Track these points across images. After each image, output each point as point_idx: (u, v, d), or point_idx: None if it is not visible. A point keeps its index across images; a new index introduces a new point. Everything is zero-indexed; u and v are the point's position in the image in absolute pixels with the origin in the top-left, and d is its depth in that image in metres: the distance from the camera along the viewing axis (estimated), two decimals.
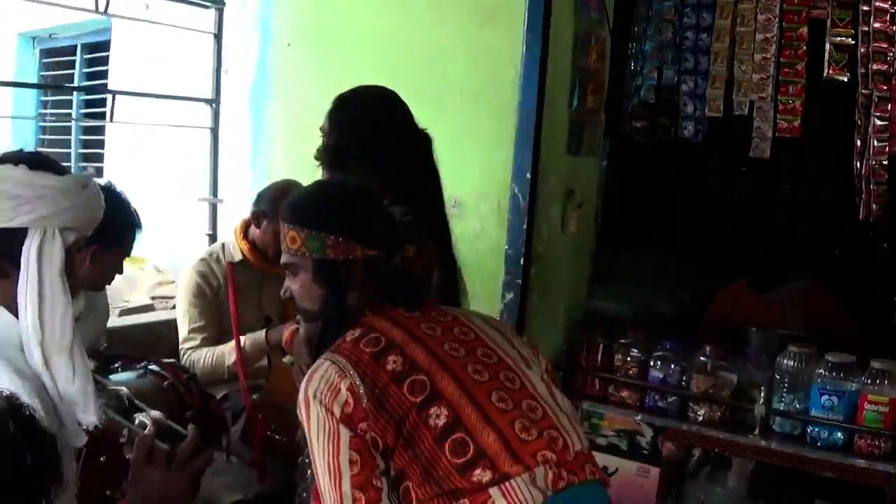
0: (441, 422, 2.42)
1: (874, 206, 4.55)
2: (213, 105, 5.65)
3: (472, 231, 4.46)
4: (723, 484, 4.48)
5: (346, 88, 4.78)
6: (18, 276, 2.39)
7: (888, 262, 4.68)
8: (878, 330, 4.81)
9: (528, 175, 4.42)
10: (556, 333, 4.90)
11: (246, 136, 5.60)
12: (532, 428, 2.47)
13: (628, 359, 4.74)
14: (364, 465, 2.41)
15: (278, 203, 4.48)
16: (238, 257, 4.70)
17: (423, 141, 3.48)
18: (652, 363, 4.69)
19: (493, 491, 2.35)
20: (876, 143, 4.45)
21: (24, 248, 2.38)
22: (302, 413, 2.49)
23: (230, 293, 4.61)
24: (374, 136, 3.37)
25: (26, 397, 2.23)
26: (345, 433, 2.42)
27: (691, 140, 5.42)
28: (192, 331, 4.63)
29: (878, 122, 4.42)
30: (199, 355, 4.58)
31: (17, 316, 2.40)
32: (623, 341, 4.79)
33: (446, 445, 2.40)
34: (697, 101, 5.16)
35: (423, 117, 4.44)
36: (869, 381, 4.07)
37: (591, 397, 4.79)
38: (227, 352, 4.56)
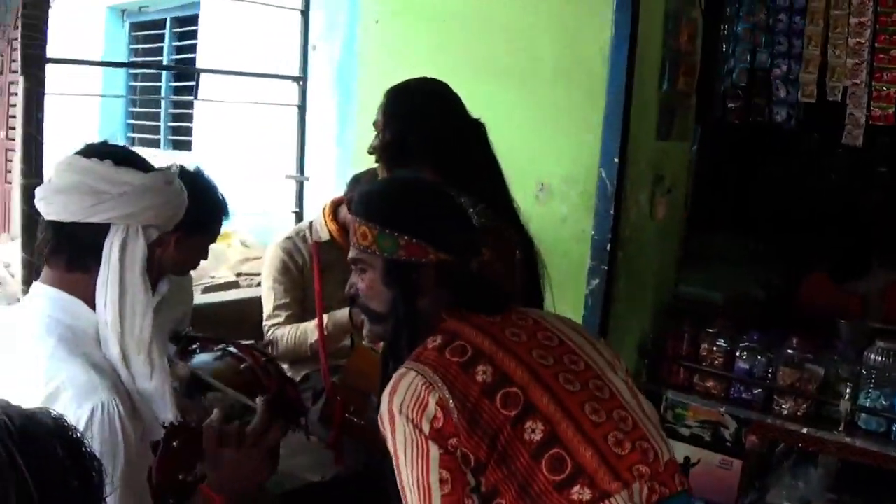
0: (537, 437, 2.32)
1: None
2: (301, 82, 5.64)
3: (558, 216, 4.41)
4: (806, 479, 4.42)
5: (435, 67, 4.78)
6: (98, 272, 2.38)
7: None
8: None
9: (616, 160, 4.35)
10: (642, 320, 4.84)
11: (333, 113, 5.59)
12: (625, 441, 2.37)
13: (714, 348, 4.67)
14: (455, 484, 2.31)
15: None
16: (325, 237, 4.67)
17: (479, 130, 3.44)
18: (738, 354, 4.62)
19: None
20: None
21: (106, 245, 2.37)
22: (385, 426, 2.39)
23: (315, 272, 4.59)
24: (431, 129, 3.34)
25: (104, 392, 2.26)
26: (434, 450, 2.31)
27: (784, 126, 5.32)
28: (276, 307, 4.63)
29: None
30: (282, 332, 4.58)
31: (94, 310, 2.39)
32: (710, 330, 4.72)
33: (543, 462, 2.29)
34: (790, 86, 5.05)
35: (510, 97, 4.41)
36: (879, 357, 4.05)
37: (675, 386, 4.74)
38: (310, 329, 4.54)
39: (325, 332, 4.47)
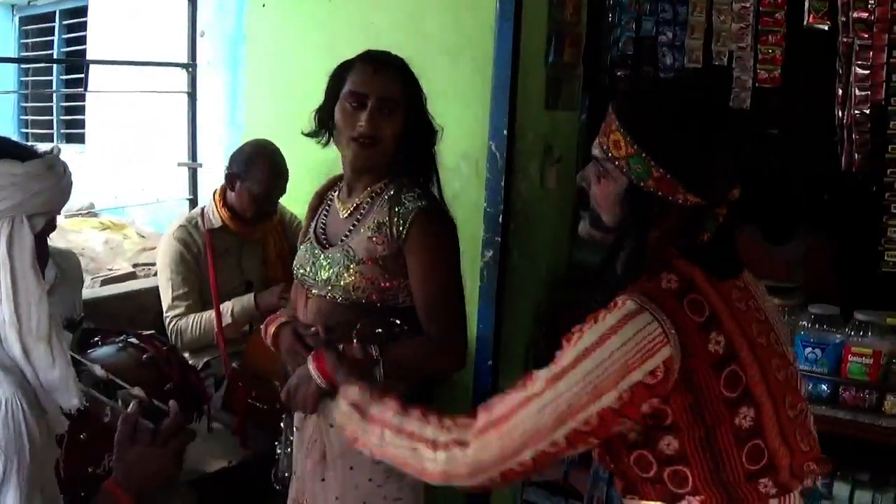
0: (746, 424, 2.20)
1: (857, 155, 4.51)
2: (190, 69, 5.60)
3: (451, 191, 4.38)
4: None
5: (323, 47, 4.78)
6: None
7: (874, 210, 4.62)
8: (863, 280, 4.77)
9: (505, 132, 4.36)
10: (538, 290, 4.87)
11: (224, 98, 5.56)
12: (807, 437, 2.34)
13: None
14: (603, 427, 2.18)
15: (251, 164, 4.49)
16: (217, 224, 4.69)
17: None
18: None
19: (773, 502, 2.26)
20: (858, 91, 4.40)
21: None
22: (589, 322, 2.19)
23: (209, 260, 4.59)
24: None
25: (7, 388, 2.24)
26: (628, 393, 2.13)
27: None
28: (175, 298, 4.63)
29: (860, 71, 4.36)
30: (185, 323, 4.59)
31: None
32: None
33: (745, 448, 2.21)
34: (676, 52, 5.10)
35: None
36: (853, 332, 4.06)
37: None
38: (215, 318, 4.56)
39: (232, 319, 4.48)
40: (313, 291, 3.30)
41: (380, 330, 3.19)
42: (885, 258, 4.49)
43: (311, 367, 2.90)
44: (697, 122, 2.29)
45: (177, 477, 2.60)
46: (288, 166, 4.69)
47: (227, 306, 4.57)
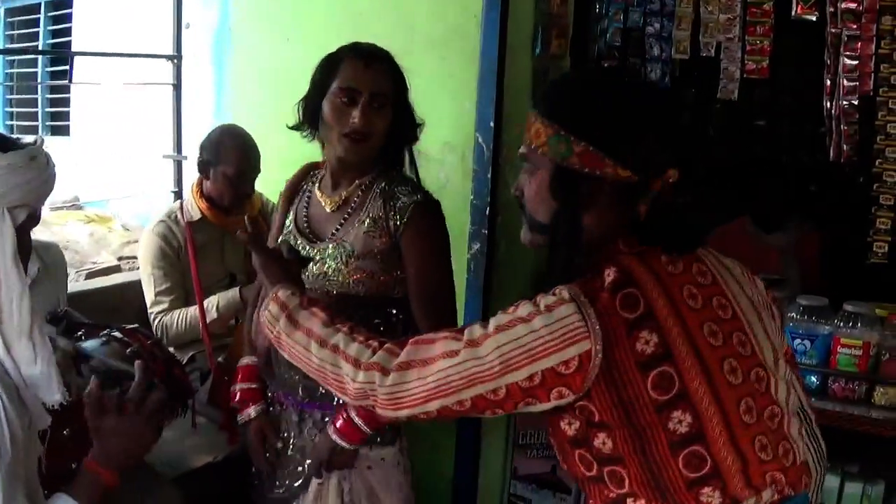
0: (682, 430, 2.12)
1: (845, 146, 4.49)
2: (175, 61, 5.57)
3: (437, 183, 4.40)
4: None
5: (309, 38, 4.76)
6: None
7: (863, 201, 4.62)
8: (852, 271, 4.78)
9: (492, 124, 4.35)
10: (525, 283, 4.84)
11: (209, 90, 5.53)
12: (769, 445, 2.21)
13: None
14: (510, 402, 2.16)
15: (222, 147, 4.46)
16: (197, 216, 4.65)
17: None
18: None
19: None
20: (846, 82, 4.38)
21: None
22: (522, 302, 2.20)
23: (190, 254, 4.57)
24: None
25: None
26: (539, 376, 2.11)
27: (659, 83, 5.34)
28: (158, 294, 4.59)
29: (848, 62, 4.35)
30: (170, 319, 4.55)
31: None
32: None
33: (681, 455, 2.13)
34: (664, 43, 5.08)
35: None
36: (841, 323, 4.03)
37: None
38: (198, 312, 4.53)
39: (217, 314, 4.45)
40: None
41: (378, 320, 3.25)
42: (874, 249, 4.48)
43: (334, 436, 3.14)
44: (612, 91, 2.27)
45: (155, 442, 2.57)
46: (264, 155, 4.68)
47: (211, 301, 4.54)
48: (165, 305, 4.56)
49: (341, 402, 3.13)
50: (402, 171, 3.38)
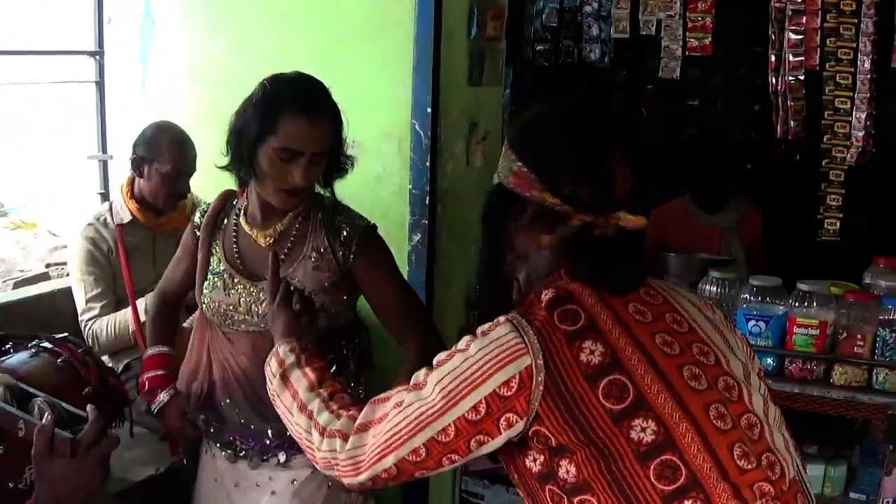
0: (647, 438, 2.02)
1: (792, 122, 4.46)
2: (97, 57, 5.40)
3: (374, 174, 4.29)
4: None
5: (236, 31, 4.62)
6: None
7: (810, 178, 4.61)
8: (804, 250, 4.75)
9: (429, 110, 4.24)
10: (468, 272, 4.75)
11: (132, 87, 5.36)
12: (751, 454, 2.08)
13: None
14: (462, 442, 2.12)
15: (158, 144, 4.33)
16: (127, 218, 4.50)
17: None
18: None
19: None
20: (791, 57, 4.35)
21: None
22: (455, 346, 2.19)
23: (122, 257, 4.41)
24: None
25: None
26: (483, 405, 2.08)
27: (598, 63, 5.29)
28: (89, 300, 4.43)
29: (793, 37, 4.32)
30: (100, 325, 4.39)
31: None
32: None
33: (651, 466, 2.01)
34: (602, 23, 5.03)
35: (320, 55, 4.26)
36: (796, 303, 3.98)
37: None
38: (129, 317, 4.37)
39: (143, 318, 4.29)
40: (241, 328, 3.22)
41: (331, 356, 3.11)
42: (826, 226, 4.45)
43: None
44: (561, 123, 2.29)
45: (103, 488, 2.43)
46: (197, 153, 4.54)
47: (140, 304, 4.37)
48: (96, 312, 4.40)
49: None
50: (332, 196, 3.29)
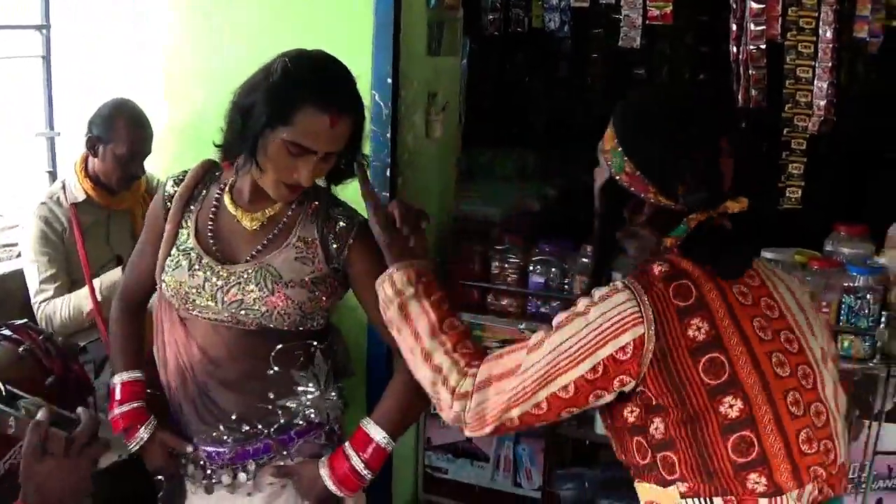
0: (733, 414, 2.19)
1: (753, 91, 4.45)
2: (44, 31, 5.29)
3: None
4: None
5: (187, 2, 4.52)
6: None
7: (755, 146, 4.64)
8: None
9: (389, 80, 4.19)
10: (428, 245, 4.70)
11: (83, 61, 5.25)
12: (814, 439, 2.26)
13: (506, 265, 4.62)
14: (582, 397, 2.28)
15: (114, 123, 4.22)
16: (81, 197, 4.37)
17: None
18: (531, 268, 4.59)
19: (763, 502, 2.20)
20: (753, 27, 4.33)
21: None
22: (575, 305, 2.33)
23: (77, 236, 4.31)
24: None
25: None
26: (601, 366, 2.23)
27: (557, 33, 5.27)
28: (42, 281, 4.31)
29: (755, 6, 4.31)
30: (54, 307, 4.27)
31: None
32: (499, 247, 4.65)
33: (731, 439, 2.19)
34: None
35: (275, 28, 4.18)
36: None
37: (469, 308, 4.64)
38: (83, 297, 4.27)
39: (100, 298, 4.21)
40: (203, 315, 2.97)
41: (298, 353, 3.00)
42: (787, 194, 4.46)
43: (332, 484, 2.95)
44: (673, 128, 2.31)
45: (90, 492, 2.37)
46: (153, 132, 4.42)
47: (95, 283, 4.28)
48: (50, 293, 4.30)
49: (313, 440, 3.08)
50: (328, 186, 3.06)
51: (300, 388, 3.02)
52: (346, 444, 2.98)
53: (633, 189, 2.33)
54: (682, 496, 2.24)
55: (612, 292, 2.27)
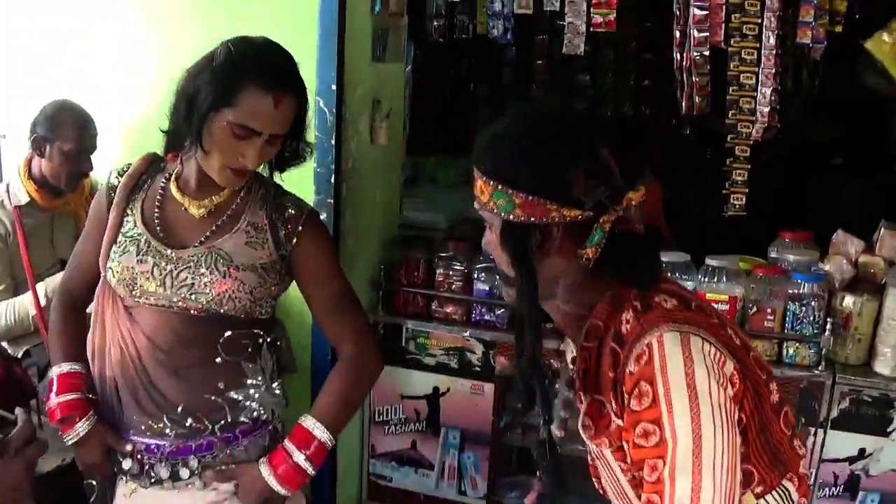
0: (775, 398, 2.21)
1: (697, 98, 4.47)
2: None
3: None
4: (559, 393, 4.39)
5: (129, 2, 4.48)
6: None
7: (708, 153, 4.65)
8: (710, 225, 4.79)
9: (334, 87, 4.16)
10: (372, 252, 4.71)
11: (21, 60, 5.18)
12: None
13: (451, 273, 4.60)
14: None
15: (59, 121, 4.19)
16: (24, 199, 4.32)
17: None
18: (476, 275, 4.57)
19: (802, 462, 2.29)
20: (697, 33, 4.35)
21: None
22: (660, 391, 2.03)
23: (20, 239, 4.26)
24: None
25: None
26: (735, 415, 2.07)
27: (500, 40, 5.26)
28: None
29: (698, 13, 4.33)
30: None
31: None
32: (443, 254, 4.63)
33: (780, 416, 2.21)
34: None
35: (221, 33, 4.15)
36: (706, 279, 4.03)
37: (414, 316, 4.65)
38: (27, 302, 4.22)
39: (44, 302, 4.16)
40: (150, 301, 2.94)
41: (246, 341, 3.00)
42: (732, 201, 4.47)
43: (274, 483, 2.95)
44: (536, 136, 2.21)
45: (28, 491, 2.33)
46: (97, 131, 4.39)
47: (39, 288, 4.23)
48: None
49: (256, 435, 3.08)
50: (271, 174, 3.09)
51: (248, 381, 3.01)
52: (287, 441, 2.98)
53: (533, 219, 2.16)
54: (758, 496, 2.18)
55: (684, 345, 2.05)
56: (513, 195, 2.15)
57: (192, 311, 2.90)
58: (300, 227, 2.96)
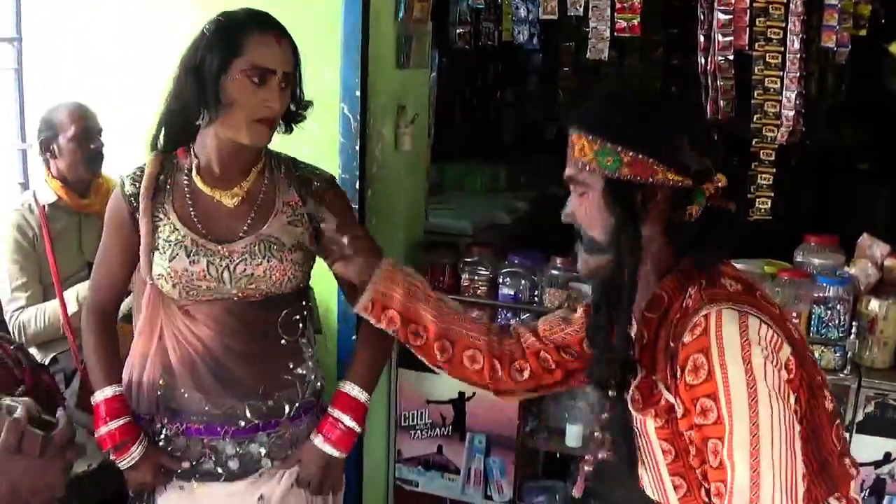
0: (830, 406, 2.22)
1: (722, 102, 4.46)
2: (16, 43, 5.28)
3: (301, 158, 4.23)
4: (584, 398, 4.40)
5: (164, 9, 4.51)
6: None
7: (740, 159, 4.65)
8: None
9: (358, 93, 4.20)
10: (397, 257, 4.67)
11: (53, 73, 5.24)
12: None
13: (476, 278, 4.61)
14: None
15: (55, 116, 4.27)
16: (51, 199, 4.36)
17: None
18: (500, 280, 4.57)
19: (853, 485, 2.26)
20: (721, 37, 4.35)
21: None
22: (716, 365, 2.05)
23: (46, 241, 4.28)
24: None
25: None
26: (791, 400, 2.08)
27: (526, 45, 5.26)
28: (14, 290, 4.28)
29: (722, 17, 4.33)
30: (28, 316, 4.24)
31: None
32: (468, 259, 4.64)
33: (833, 429, 2.22)
34: (530, 4, 4.99)
35: None
36: None
37: None
38: (59, 307, 4.22)
39: (78, 306, 4.17)
40: (206, 297, 2.99)
41: (297, 317, 3.14)
42: (757, 205, 4.46)
43: (329, 449, 3.09)
44: (648, 100, 2.34)
45: (62, 493, 2.35)
46: (118, 133, 4.48)
47: (70, 293, 4.25)
48: (22, 302, 4.27)
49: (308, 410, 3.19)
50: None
51: (306, 354, 3.16)
52: (332, 409, 3.13)
53: (639, 178, 2.18)
54: None
55: (742, 323, 2.07)
56: (622, 153, 2.18)
57: (252, 298, 3.00)
58: (328, 198, 3.09)
